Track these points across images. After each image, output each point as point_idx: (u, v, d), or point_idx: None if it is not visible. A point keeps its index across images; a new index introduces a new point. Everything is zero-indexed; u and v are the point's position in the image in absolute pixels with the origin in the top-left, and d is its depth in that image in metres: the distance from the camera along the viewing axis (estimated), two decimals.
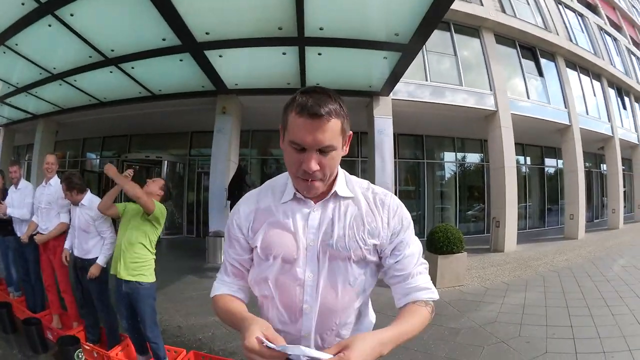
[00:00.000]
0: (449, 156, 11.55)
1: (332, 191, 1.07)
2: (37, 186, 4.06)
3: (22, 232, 4.12)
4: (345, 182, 1.10)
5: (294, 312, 1.08)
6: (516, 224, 8.62)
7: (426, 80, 8.36)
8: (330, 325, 1.09)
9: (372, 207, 1.09)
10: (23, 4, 5.06)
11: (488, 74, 8.95)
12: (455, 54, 8.90)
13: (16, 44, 6.29)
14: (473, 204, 11.75)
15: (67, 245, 3.48)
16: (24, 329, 3.63)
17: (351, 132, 1.06)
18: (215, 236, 7.67)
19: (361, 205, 1.09)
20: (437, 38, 8.41)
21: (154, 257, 2.98)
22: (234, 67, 6.54)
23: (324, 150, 0.98)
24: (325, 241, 1.05)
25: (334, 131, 0.98)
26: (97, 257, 3.26)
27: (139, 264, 2.84)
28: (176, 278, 5.70)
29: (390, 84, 6.71)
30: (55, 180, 3.81)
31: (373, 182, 1.21)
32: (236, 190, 7.00)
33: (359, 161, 9.10)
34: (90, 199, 3.33)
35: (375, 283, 1.14)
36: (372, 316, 1.22)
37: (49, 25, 5.48)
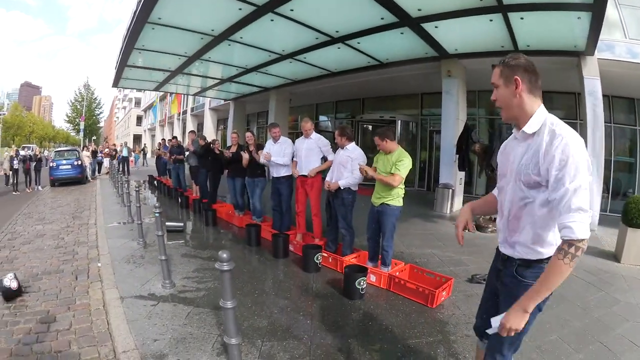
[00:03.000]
0: None
1: (521, 130, 1.41)
2: (296, 140, 5.11)
3: (279, 174, 5.16)
4: (537, 122, 1.36)
5: (501, 210, 1.55)
6: None
7: (625, 37, 7.50)
8: (513, 228, 1.46)
9: (547, 143, 1.28)
10: (240, 9, 6.07)
11: None
12: None
13: (241, 37, 7.40)
14: None
15: (328, 177, 4.32)
16: (273, 240, 4.50)
17: (517, 78, 1.36)
18: (444, 188, 8.18)
19: (541, 141, 1.31)
20: None
21: (403, 191, 3.77)
22: (451, 35, 7.03)
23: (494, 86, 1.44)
24: (518, 166, 1.41)
25: (495, 74, 1.43)
26: (347, 187, 4.10)
27: (389, 194, 3.71)
28: (404, 220, 6.59)
29: (592, 42, 6.50)
30: (315, 135, 4.83)
31: (586, 145, 1.44)
32: (463, 145, 7.48)
33: (577, 124, 8.35)
34: (353, 147, 4.20)
35: (550, 217, 1.33)
36: (547, 250, 1.37)
37: (272, 20, 6.48)
